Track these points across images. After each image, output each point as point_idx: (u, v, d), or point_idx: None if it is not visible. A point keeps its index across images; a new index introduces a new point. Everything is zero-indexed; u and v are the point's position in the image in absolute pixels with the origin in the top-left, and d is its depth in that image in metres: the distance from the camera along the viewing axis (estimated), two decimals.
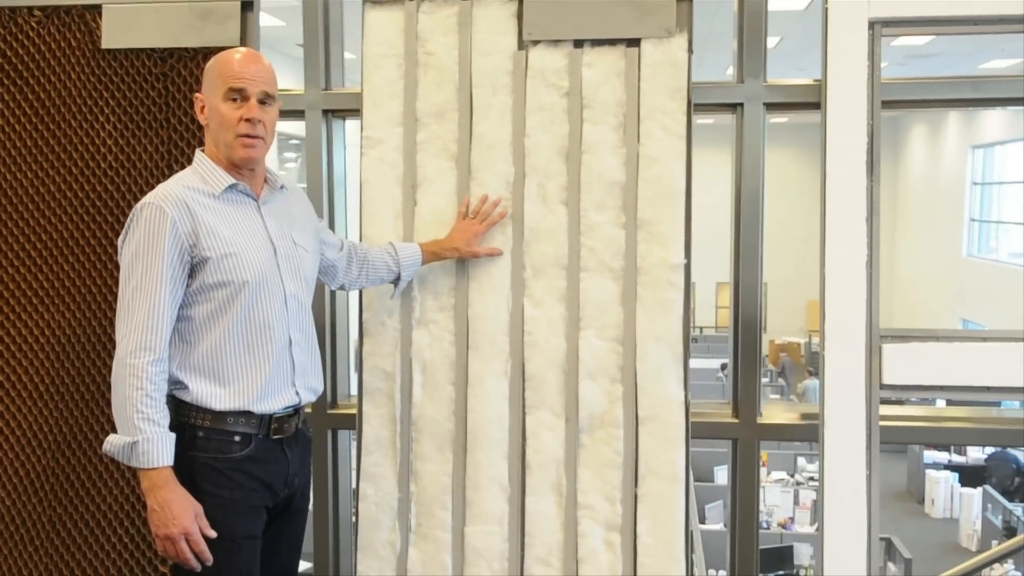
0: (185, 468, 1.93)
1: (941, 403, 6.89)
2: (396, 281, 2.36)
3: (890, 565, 7.71)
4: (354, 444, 2.60)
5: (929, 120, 17.90)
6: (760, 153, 2.46)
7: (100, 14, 2.56)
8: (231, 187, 1.99)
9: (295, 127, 2.71)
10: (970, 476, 10.53)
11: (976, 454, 11.01)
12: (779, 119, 19.79)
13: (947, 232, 16.41)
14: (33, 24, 2.59)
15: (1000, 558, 3.72)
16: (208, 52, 2.53)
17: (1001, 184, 14.91)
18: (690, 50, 2.35)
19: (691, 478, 2.37)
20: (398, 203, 2.47)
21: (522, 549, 2.38)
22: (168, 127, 2.54)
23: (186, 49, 2.53)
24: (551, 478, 2.38)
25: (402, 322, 2.45)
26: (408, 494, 2.45)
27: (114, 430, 1.90)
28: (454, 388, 2.42)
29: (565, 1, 2.39)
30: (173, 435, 1.90)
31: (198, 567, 1.89)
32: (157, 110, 2.55)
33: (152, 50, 2.54)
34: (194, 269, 1.93)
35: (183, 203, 1.92)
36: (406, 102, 2.45)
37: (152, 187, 2.58)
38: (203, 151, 2.04)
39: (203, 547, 1.88)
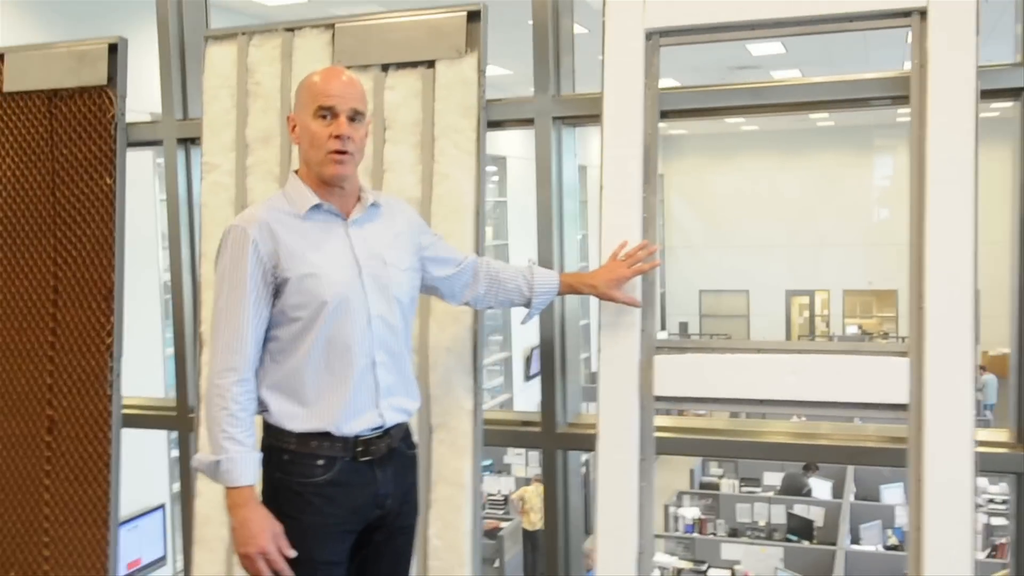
0: (270, 489, 1.98)
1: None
2: (528, 305, 2.26)
3: None
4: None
5: None
6: (553, 164, 2.49)
7: (3, 60, 2.93)
8: (316, 207, 1.99)
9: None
10: None
11: None
12: (990, 114, 18.06)
13: None
14: None
15: None
16: (84, 91, 2.85)
17: None
18: (481, 69, 2.43)
19: (479, 484, 2.43)
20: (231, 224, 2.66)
21: None
22: (52, 159, 2.87)
23: (66, 89, 2.85)
24: None
25: None
26: None
27: None
28: None
29: (371, 28, 2.53)
30: (258, 454, 1.93)
31: None
32: (44, 144, 2.88)
33: (40, 91, 2.88)
34: (278, 290, 1.94)
35: (265, 224, 1.94)
36: (237, 129, 2.65)
37: (40, 213, 2.90)
38: (296, 172, 2.04)
39: (281, 566, 1.87)
